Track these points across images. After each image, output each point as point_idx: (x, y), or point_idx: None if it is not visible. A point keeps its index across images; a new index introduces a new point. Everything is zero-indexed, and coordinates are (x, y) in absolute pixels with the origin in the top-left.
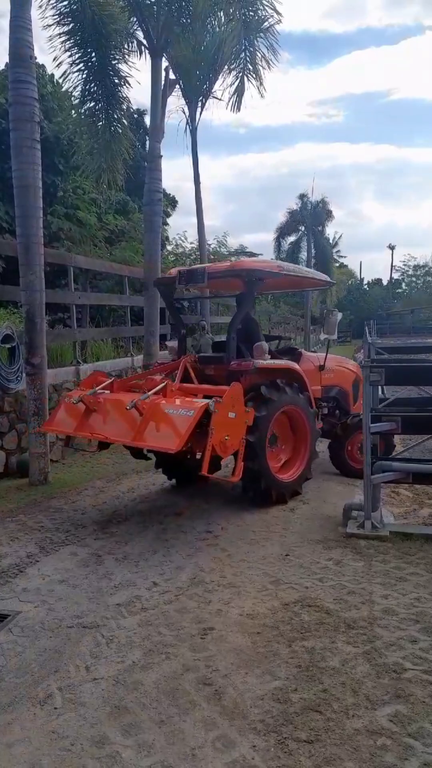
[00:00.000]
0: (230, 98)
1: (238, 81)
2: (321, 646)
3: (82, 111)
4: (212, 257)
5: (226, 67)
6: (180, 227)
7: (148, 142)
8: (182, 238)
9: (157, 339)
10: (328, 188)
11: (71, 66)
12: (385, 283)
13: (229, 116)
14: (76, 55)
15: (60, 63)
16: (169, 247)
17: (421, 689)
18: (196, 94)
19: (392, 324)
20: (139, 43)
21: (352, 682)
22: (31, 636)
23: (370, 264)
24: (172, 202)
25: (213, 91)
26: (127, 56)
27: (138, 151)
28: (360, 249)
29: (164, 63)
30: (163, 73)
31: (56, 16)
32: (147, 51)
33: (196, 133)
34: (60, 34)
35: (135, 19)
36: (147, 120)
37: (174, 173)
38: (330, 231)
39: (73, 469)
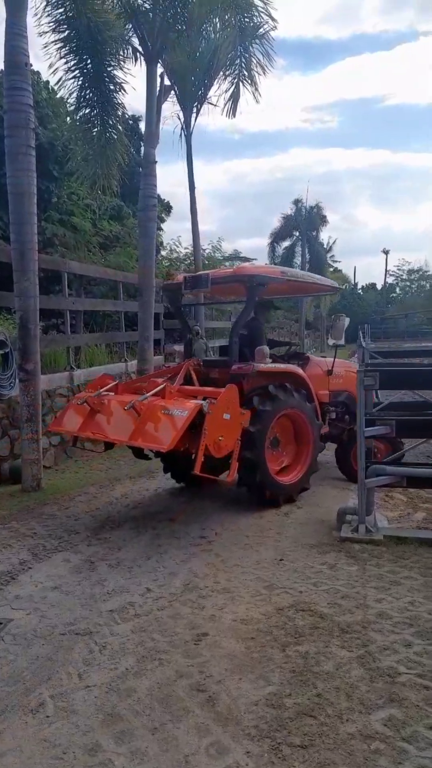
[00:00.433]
0: (226, 104)
1: (233, 87)
2: (315, 650)
3: (78, 117)
4: (206, 262)
5: (221, 73)
6: (175, 232)
7: (143, 148)
8: (177, 243)
9: (152, 344)
10: (323, 193)
11: (67, 73)
12: (379, 287)
13: (224, 122)
14: (72, 62)
15: (55, 70)
16: (163, 253)
17: (415, 693)
18: (191, 100)
19: (386, 328)
20: (135, 50)
21: (346, 686)
22: (24, 643)
23: (365, 269)
24: (167, 208)
25: (208, 96)
26: (122, 63)
27: (133, 156)
28: (355, 254)
29: (159, 69)
30: (159, 80)
31: (52, 24)
32: (142, 57)
33: (191, 138)
34: (56, 41)
35: (130, 26)
36: (142, 126)
37: (169, 178)
38: (324, 236)
39: (66, 476)
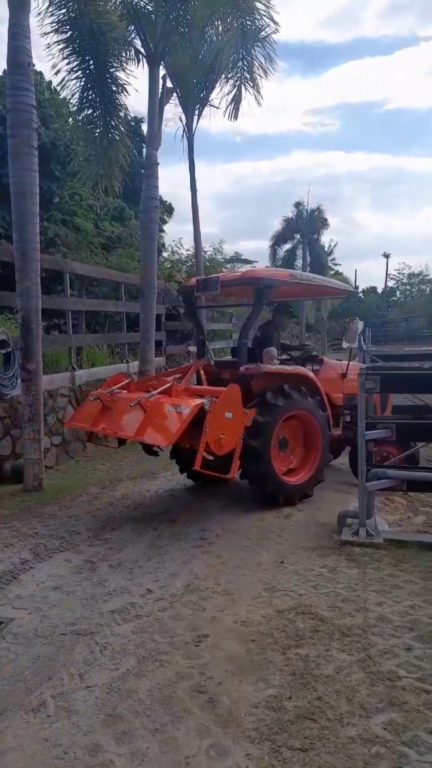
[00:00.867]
0: (228, 106)
1: (235, 89)
2: (315, 653)
3: (80, 118)
4: (208, 264)
5: (223, 75)
6: (176, 234)
7: (144, 150)
8: (178, 245)
9: (153, 345)
10: (324, 196)
11: (69, 73)
12: (380, 291)
13: (225, 124)
14: (74, 63)
15: (58, 70)
16: (165, 254)
17: (416, 697)
18: (194, 103)
19: (387, 332)
20: (137, 52)
21: (346, 689)
22: (25, 643)
23: (365, 272)
24: (169, 209)
25: (210, 99)
26: (125, 64)
27: (135, 158)
28: (355, 257)
29: (162, 71)
30: (161, 81)
31: (54, 24)
32: (145, 59)
33: (192, 140)
34: (58, 41)
35: (133, 28)
36: (144, 127)
37: (171, 180)
38: (325, 239)
39: (68, 476)
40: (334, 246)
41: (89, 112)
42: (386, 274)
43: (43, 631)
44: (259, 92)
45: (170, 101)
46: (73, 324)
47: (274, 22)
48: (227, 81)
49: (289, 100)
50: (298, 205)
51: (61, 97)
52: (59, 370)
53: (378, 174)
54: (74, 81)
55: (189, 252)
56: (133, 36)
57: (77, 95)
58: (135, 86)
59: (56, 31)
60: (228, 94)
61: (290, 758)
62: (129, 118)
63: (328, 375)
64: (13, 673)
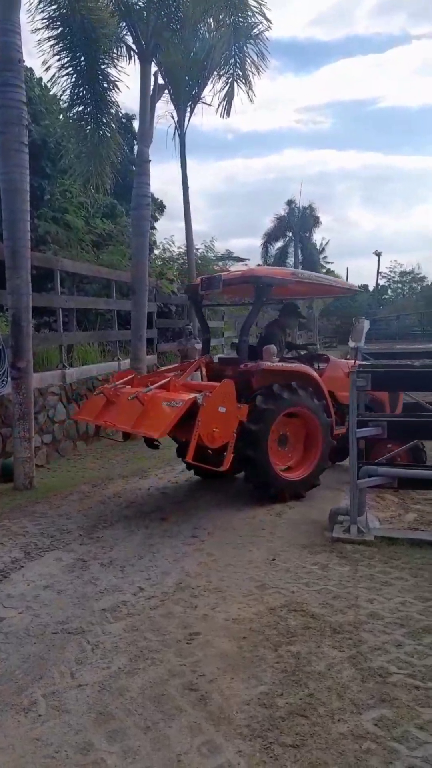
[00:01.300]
0: (220, 103)
1: (228, 86)
2: (307, 650)
3: (71, 115)
4: (200, 262)
5: (215, 72)
6: (168, 231)
7: (136, 147)
8: (170, 242)
9: (144, 343)
10: (316, 194)
11: (60, 70)
12: (371, 289)
13: (217, 121)
14: (65, 59)
15: (49, 67)
16: (156, 252)
17: (406, 693)
18: (185, 100)
19: (378, 330)
20: (128, 48)
21: (337, 686)
22: (15, 642)
23: (357, 270)
24: (160, 207)
25: (202, 96)
26: (116, 61)
27: (126, 155)
28: (347, 255)
29: (153, 68)
30: (152, 78)
31: (45, 20)
32: (136, 56)
33: (184, 138)
34: (49, 38)
35: (124, 24)
36: (135, 124)
37: (163, 177)
38: (317, 237)
39: (59, 474)
40: (326, 244)
41: (80, 108)
42: (378, 272)
43: (34, 630)
44: (251, 89)
45: (162, 98)
46: (64, 322)
47: (267, 20)
48: (219, 78)
49: (280, 97)
50: (290, 203)
51: (51, 93)
52: (50, 368)
53: (370, 172)
54: (65, 77)
55: (180, 249)
56: (124, 32)
57: (68, 92)
58: (126, 83)
59: (47, 27)
60: (220, 91)
61: (282, 755)
62: (120, 115)
63: (334, 374)
64: (3, 673)
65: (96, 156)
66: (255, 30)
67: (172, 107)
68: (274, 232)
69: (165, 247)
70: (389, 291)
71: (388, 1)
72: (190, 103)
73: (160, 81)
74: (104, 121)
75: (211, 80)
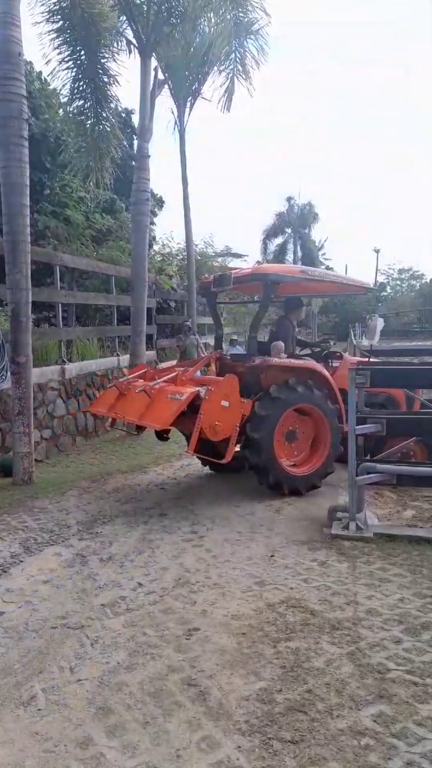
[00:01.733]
0: (220, 99)
1: (228, 81)
2: (306, 646)
3: (71, 109)
4: (199, 258)
5: (215, 67)
6: (168, 227)
7: (136, 142)
8: (170, 238)
9: (144, 339)
10: (315, 191)
11: (60, 64)
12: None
13: (216, 116)
14: (66, 53)
15: (49, 60)
16: (156, 247)
17: (405, 689)
18: (185, 95)
19: None
20: (128, 42)
21: (336, 682)
22: (15, 637)
23: (356, 267)
24: (160, 202)
25: (201, 91)
26: (116, 55)
27: (125, 150)
28: (346, 252)
29: (153, 63)
30: (153, 73)
31: (45, 14)
32: (136, 50)
33: (184, 133)
34: (49, 31)
35: (124, 18)
36: (134, 119)
37: (163, 172)
38: (316, 233)
39: (58, 470)
40: (325, 240)
41: (80, 103)
42: (376, 269)
43: (34, 625)
44: (251, 84)
45: (161, 93)
46: (63, 317)
47: (267, 14)
48: (220, 73)
49: (281, 91)
50: (289, 199)
51: (51, 87)
52: (49, 363)
53: (370, 169)
54: (65, 71)
55: (180, 245)
56: (124, 26)
57: (68, 86)
58: (126, 78)
59: (47, 20)
60: (221, 86)
61: (281, 750)
62: (120, 109)
63: (346, 372)
64: (3, 667)
65: (96, 151)
66: (255, 25)
67: (173, 102)
68: (273, 229)
69: (164, 242)
70: (388, 288)
71: None
72: (190, 98)
73: (160, 76)
74: (104, 115)
75: (211, 75)
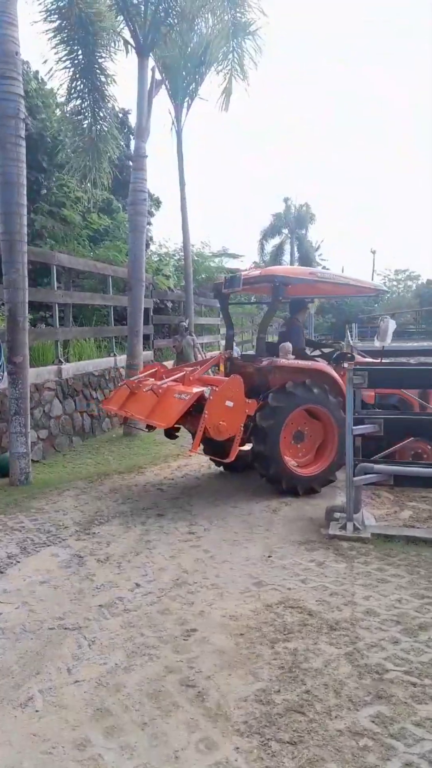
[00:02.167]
0: (218, 99)
1: (226, 82)
2: (304, 647)
3: (68, 109)
4: (196, 258)
5: (213, 68)
6: (165, 228)
7: (133, 142)
8: (166, 239)
9: (141, 339)
10: (312, 192)
11: (57, 63)
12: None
13: (215, 117)
14: (63, 53)
15: (46, 60)
16: (153, 247)
17: (403, 690)
18: (183, 95)
19: (373, 327)
20: (126, 42)
21: (334, 683)
22: (12, 638)
23: (352, 268)
24: (157, 203)
25: (199, 92)
26: (113, 55)
27: (123, 150)
28: (342, 253)
29: (151, 63)
30: (150, 73)
31: (43, 13)
32: (134, 50)
33: (181, 133)
34: (46, 30)
35: (122, 18)
36: (132, 120)
37: (160, 173)
38: (313, 234)
39: (55, 470)
40: (322, 241)
41: (77, 102)
42: (373, 270)
43: (31, 626)
44: (249, 84)
45: (159, 93)
46: (60, 317)
47: (265, 15)
48: (218, 73)
49: (278, 92)
50: (286, 200)
51: (48, 87)
52: (46, 363)
53: (367, 170)
54: (62, 71)
55: (177, 245)
56: (122, 26)
57: (65, 85)
58: (123, 78)
59: (45, 19)
60: (219, 86)
61: (279, 751)
62: (117, 109)
63: None
64: (0, 668)
65: (93, 150)
66: (253, 26)
67: (170, 102)
68: (271, 230)
69: (161, 243)
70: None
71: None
72: (187, 98)
73: (158, 76)
74: (101, 115)
75: (208, 75)
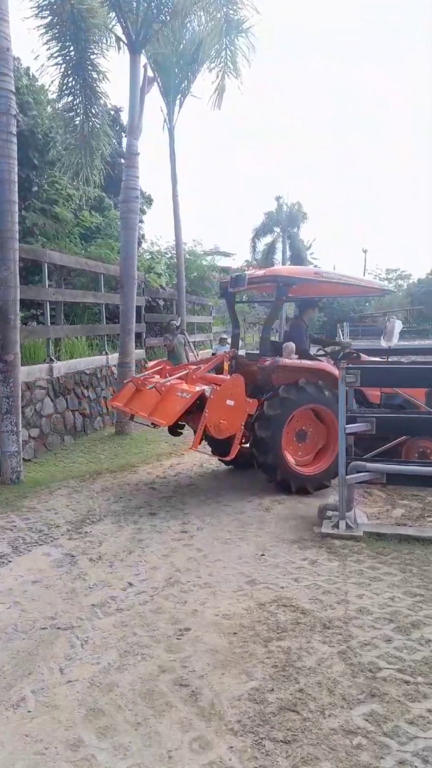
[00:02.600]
0: (211, 96)
1: (219, 79)
2: (297, 645)
3: (60, 105)
4: (188, 257)
5: (206, 65)
6: (157, 226)
7: (125, 139)
8: (158, 236)
9: (133, 337)
10: (304, 190)
11: (49, 59)
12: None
13: (207, 115)
14: (54, 49)
15: (37, 56)
16: (145, 245)
17: (396, 688)
18: (175, 93)
19: (364, 327)
20: (118, 39)
21: (328, 681)
22: (4, 638)
23: (344, 267)
24: (148, 200)
25: (192, 89)
26: (105, 51)
27: (115, 147)
28: (334, 252)
29: (143, 60)
30: (142, 71)
31: (34, 9)
32: (126, 47)
33: (174, 131)
34: (38, 26)
35: (114, 14)
36: (123, 117)
37: (152, 170)
38: (305, 233)
39: (46, 469)
40: (314, 240)
41: (69, 99)
42: (365, 269)
43: (23, 626)
44: (242, 82)
45: (151, 91)
46: (52, 315)
47: (258, 12)
48: (210, 71)
49: (271, 91)
50: (278, 198)
51: (39, 83)
52: (37, 361)
53: (359, 170)
54: (54, 67)
55: (169, 243)
56: (114, 23)
57: (57, 82)
58: (115, 75)
59: (36, 15)
60: (211, 83)
61: (273, 750)
62: (109, 107)
63: None
64: None
65: (85, 147)
66: (246, 23)
67: (162, 100)
68: (263, 228)
69: (153, 241)
70: None
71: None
72: (180, 96)
73: (150, 73)
74: (93, 111)
75: (201, 73)
